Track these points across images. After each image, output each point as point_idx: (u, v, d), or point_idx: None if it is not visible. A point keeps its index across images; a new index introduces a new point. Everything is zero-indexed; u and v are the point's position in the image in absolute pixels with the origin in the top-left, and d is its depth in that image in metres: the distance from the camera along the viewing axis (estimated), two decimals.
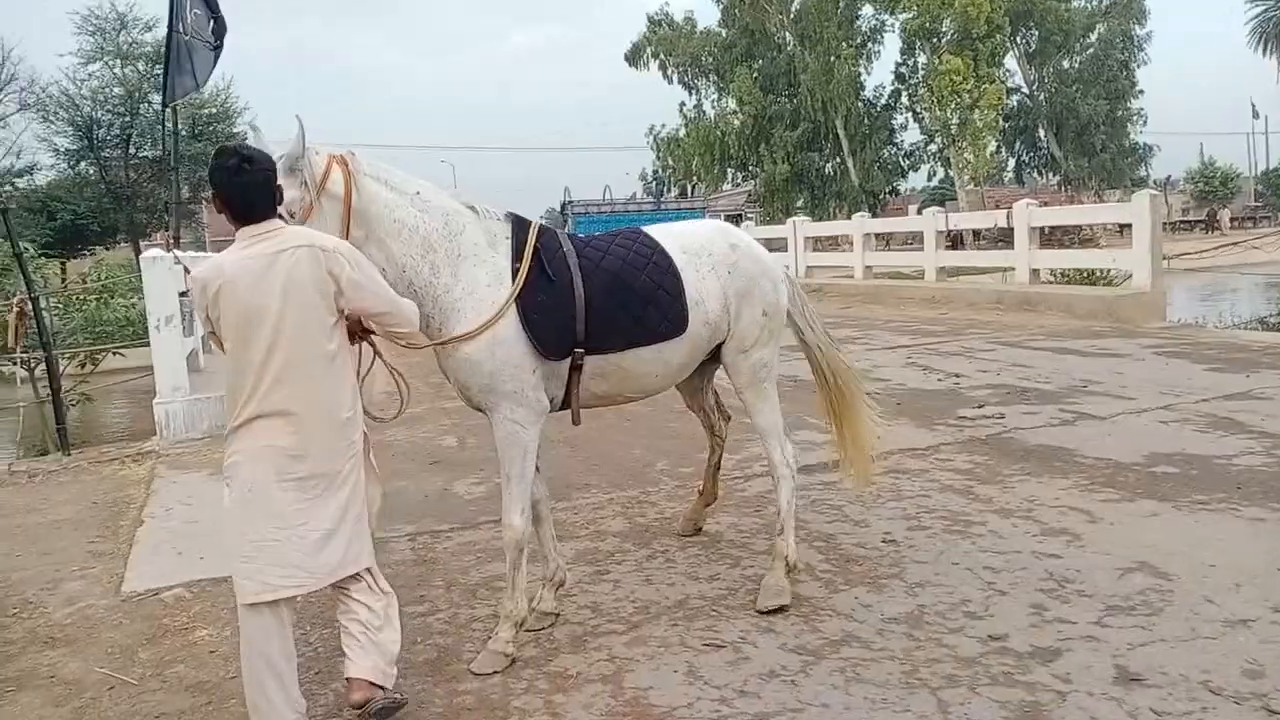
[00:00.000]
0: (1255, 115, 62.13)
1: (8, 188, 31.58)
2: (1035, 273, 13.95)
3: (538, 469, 3.75)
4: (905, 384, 8.50)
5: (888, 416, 6.85)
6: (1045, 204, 35.53)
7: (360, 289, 2.97)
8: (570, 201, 43.97)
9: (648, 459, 6.39)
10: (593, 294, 3.74)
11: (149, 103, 33.82)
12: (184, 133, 27.32)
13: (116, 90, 34.08)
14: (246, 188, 2.89)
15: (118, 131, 34.73)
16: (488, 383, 3.52)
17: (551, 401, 3.75)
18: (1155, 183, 62.88)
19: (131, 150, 35.43)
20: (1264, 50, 60.92)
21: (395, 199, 3.46)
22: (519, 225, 3.74)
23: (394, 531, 5.05)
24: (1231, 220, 54.08)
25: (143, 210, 36.37)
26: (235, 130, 37.00)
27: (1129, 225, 12.25)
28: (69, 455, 7.98)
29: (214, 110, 35.55)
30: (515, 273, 3.59)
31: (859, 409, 4.38)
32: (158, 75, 34.80)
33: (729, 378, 4.20)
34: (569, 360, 3.70)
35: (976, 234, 28.71)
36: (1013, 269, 14.71)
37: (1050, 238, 24.49)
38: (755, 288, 4.06)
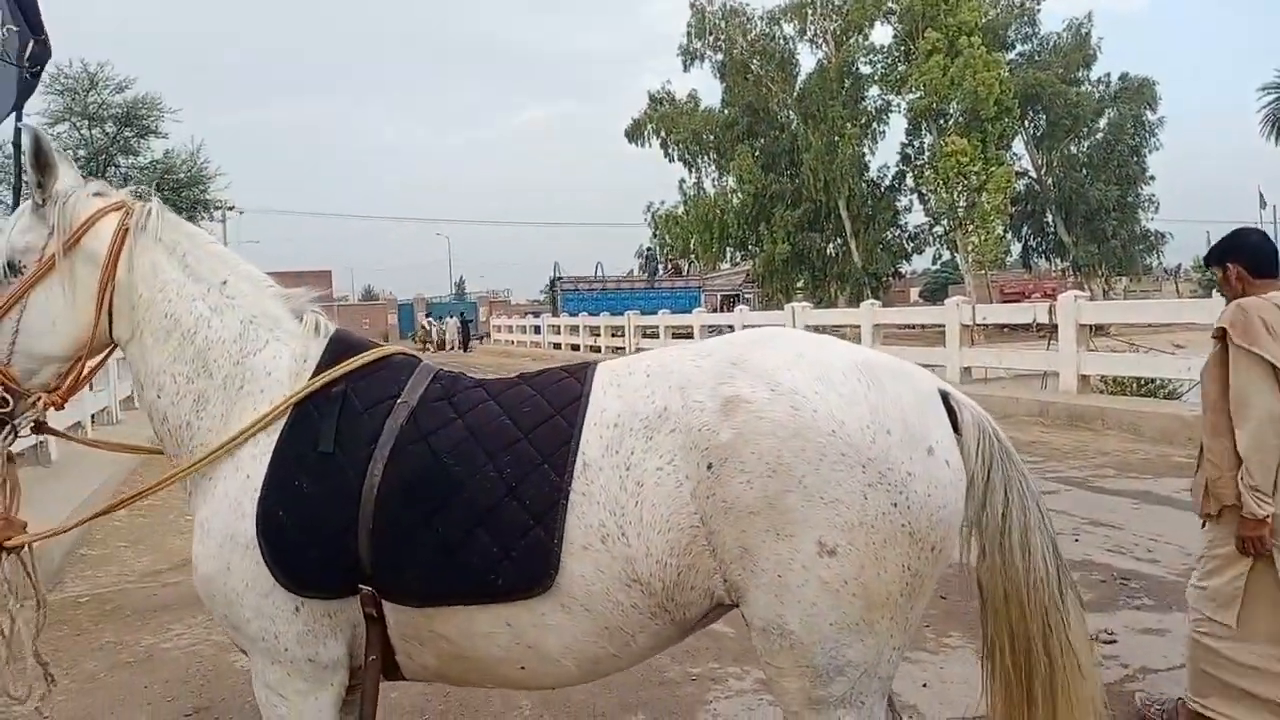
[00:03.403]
0: (1263, 204, 60.66)
1: None
2: (1084, 379, 11.64)
3: None
4: None
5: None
6: (1053, 292, 33.96)
7: None
8: (559, 278, 42.42)
9: None
10: (388, 490, 2.11)
11: (116, 166, 32.21)
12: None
13: (81, 152, 32.38)
14: None
15: None
16: (224, 613, 2.21)
17: (356, 669, 2.23)
18: (1165, 271, 61.62)
19: None
20: (1275, 138, 59.90)
21: (183, 284, 2.37)
22: (339, 348, 2.36)
23: None
24: None
25: None
26: (208, 197, 35.55)
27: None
28: None
29: (183, 176, 33.77)
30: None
31: None
32: (126, 137, 33.59)
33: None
34: (356, 601, 2.14)
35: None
36: (1054, 373, 12.39)
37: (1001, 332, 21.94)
38: (792, 495, 1.93)
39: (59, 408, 2.42)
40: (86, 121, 32.18)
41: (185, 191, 32.98)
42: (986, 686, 2.19)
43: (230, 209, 41.09)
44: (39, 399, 2.34)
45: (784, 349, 2.12)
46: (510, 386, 2.29)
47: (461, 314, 50.30)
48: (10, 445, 2.35)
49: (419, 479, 2.10)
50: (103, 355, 2.52)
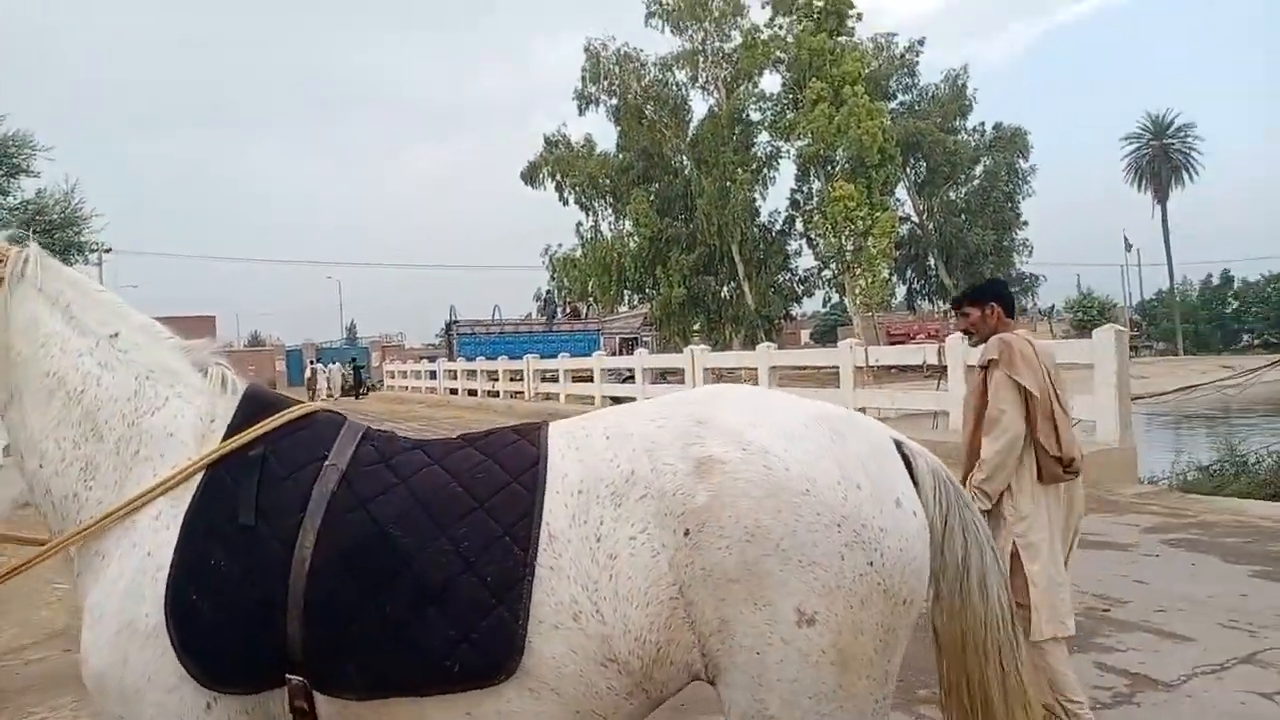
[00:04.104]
0: (1128, 248, 64.74)
1: None
2: None
3: None
4: None
5: None
6: (937, 333, 35.12)
7: None
8: (455, 321, 41.65)
9: None
10: (323, 564, 1.93)
11: None
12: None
13: None
14: None
15: None
16: (119, 713, 1.92)
17: None
18: (1040, 312, 64.82)
19: None
20: (1139, 185, 64.09)
21: (68, 338, 2.14)
22: (253, 406, 2.15)
23: None
24: None
25: None
26: (83, 239, 33.82)
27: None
28: None
29: (56, 217, 32.06)
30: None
31: None
32: None
33: None
34: (283, 693, 1.93)
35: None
36: (944, 413, 12.74)
37: (889, 373, 22.77)
38: (770, 560, 1.84)
39: None
40: None
41: (58, 233, 31.05)
42: None
43: (107, 251, 39.24)
44: None
45: (742, 405, 2.06)
46: (455, 449, 2.14)
47: (353, 359, 48.94)
48: None
49: (359, 551, 1.93)
50: None
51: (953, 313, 4.83)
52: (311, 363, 46.79)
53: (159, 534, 1.99)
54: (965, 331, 4.33)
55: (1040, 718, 2.15)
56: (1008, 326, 4.05)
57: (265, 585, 1.91)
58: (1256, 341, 58.18)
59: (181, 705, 1.91)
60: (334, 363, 46.54)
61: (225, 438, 2.09)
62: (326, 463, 2.05)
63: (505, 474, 2.01)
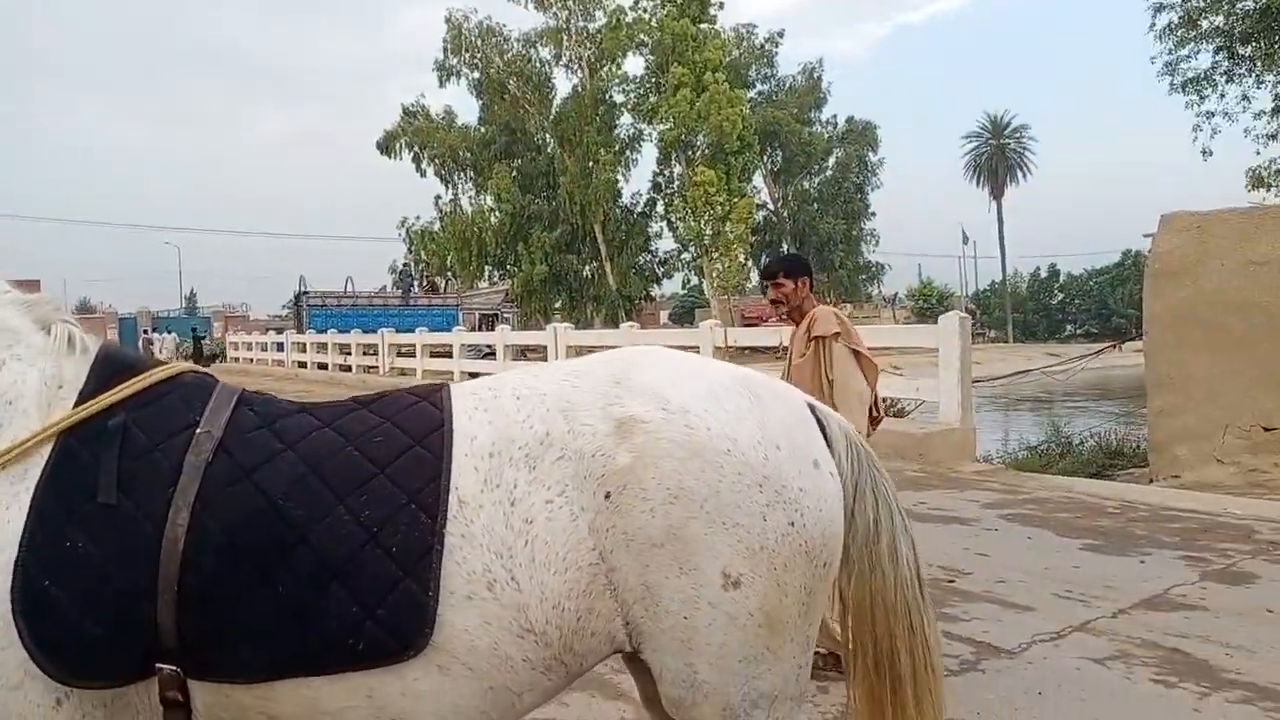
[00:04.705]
0: (965, 240, 68.62)
1: None
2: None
3: None
4: None
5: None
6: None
7: None
8: (305, 292, 39.96)
9: None
10: (202, 543, 1.75)
11: None
12: None
13: None
14: None
15: None
16: None
17: None
18: (884, 299, 67.95)
19: None
20: (976, 182, 67.83)
21: None
22: (109, 368, 1.91)
23: None
24: None
25: None
26: None
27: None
28: None
29: None
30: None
31: None
32: None
33: None
34: (152, 685, 1.75)
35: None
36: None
37: (744, 353, 23.69)
38: (695, 523, 1.81)
39: None
40: None
41: None
42: (850, 690, 2.19)
43: None
44: None
45: (663, 367, 2.02)
46: (348, 412, 1.99)
47: (193, 329, 46.37)
48: None
49: (245, 526, 1.77)
50: None
51: (765, 284, 4.90)
52: (145, 332, 43.87)
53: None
54: (775, 301, 4.52)
55: (942, 678, 2.19)
56: (811, 300, 4.40)
57: (132, 569, 1.73)
58: (1079, 331, 62.74)
59: (26, 703, 1.71)
60: (170, 332, 43.80)
61: (77, 405, 1.87)
62: (199, 430, 1.87)
63: (407, 437, 1.88)
